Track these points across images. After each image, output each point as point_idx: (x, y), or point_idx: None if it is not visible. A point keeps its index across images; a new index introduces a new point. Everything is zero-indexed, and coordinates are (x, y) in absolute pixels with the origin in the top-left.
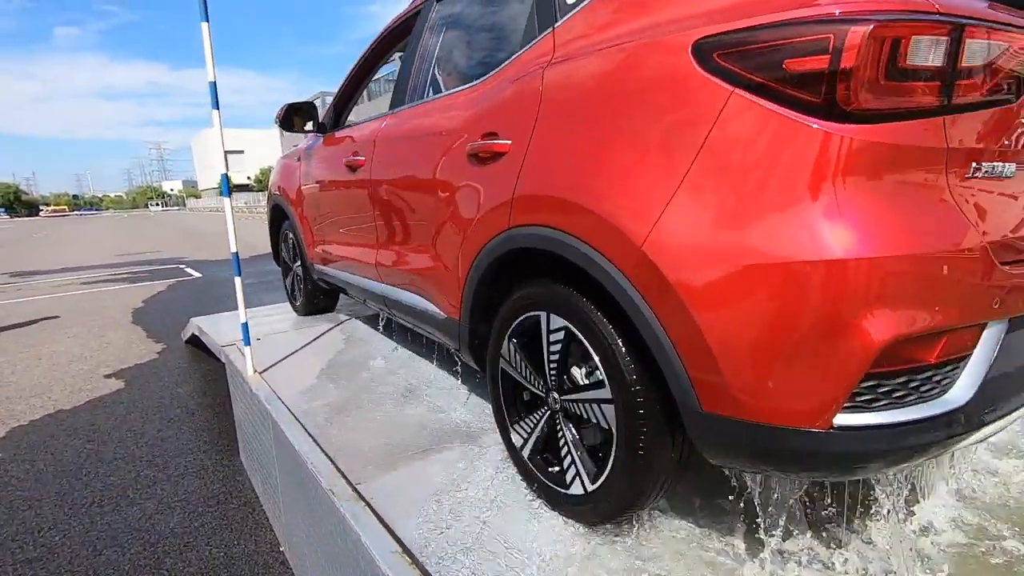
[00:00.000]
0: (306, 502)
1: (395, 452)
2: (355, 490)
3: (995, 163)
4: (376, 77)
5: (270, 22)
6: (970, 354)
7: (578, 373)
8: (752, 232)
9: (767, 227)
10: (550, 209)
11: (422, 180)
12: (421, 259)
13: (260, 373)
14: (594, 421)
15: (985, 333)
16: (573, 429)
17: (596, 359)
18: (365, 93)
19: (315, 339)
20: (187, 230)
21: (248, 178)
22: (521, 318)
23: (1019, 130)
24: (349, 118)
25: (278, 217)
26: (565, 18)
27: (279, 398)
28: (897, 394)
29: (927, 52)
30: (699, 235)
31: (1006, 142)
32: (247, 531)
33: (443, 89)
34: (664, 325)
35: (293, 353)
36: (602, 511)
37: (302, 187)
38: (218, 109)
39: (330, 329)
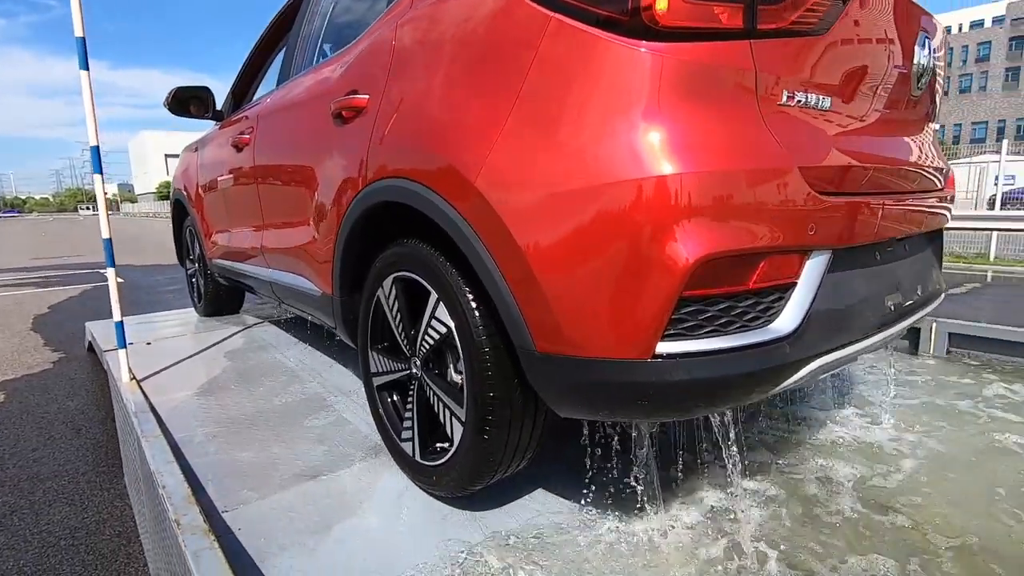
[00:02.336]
0: (161, 537)
1: (282, 472)
2: (207, 522)
3: (808, 93)
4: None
5: (233, 27)
6: (794, 283)
7: (433, 332)
8: (565, 157)
9: (578, 150)
10: (397, 158)
11: (294, 150)
12: (298, 235)
13: (139, 381)
14: (449, 381)
15: (808, 263)
16: (436, 392)
17: (447, 313)
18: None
19: (215, 344)
20: (117, 235)
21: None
22: (383, 281)
23: (834, 63)
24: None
25: (180, 214)
26: None
27: (152, 409)
28: (720, 321)
29: None
30: (523, 165)
31: (819, 74)
32: (115, 570)
33: (318, 62)
34: (498, 262)
35: (186, 359)
36: (457, 477)
37: (198, 177)
38: (100, 173)
39: (235, 333)
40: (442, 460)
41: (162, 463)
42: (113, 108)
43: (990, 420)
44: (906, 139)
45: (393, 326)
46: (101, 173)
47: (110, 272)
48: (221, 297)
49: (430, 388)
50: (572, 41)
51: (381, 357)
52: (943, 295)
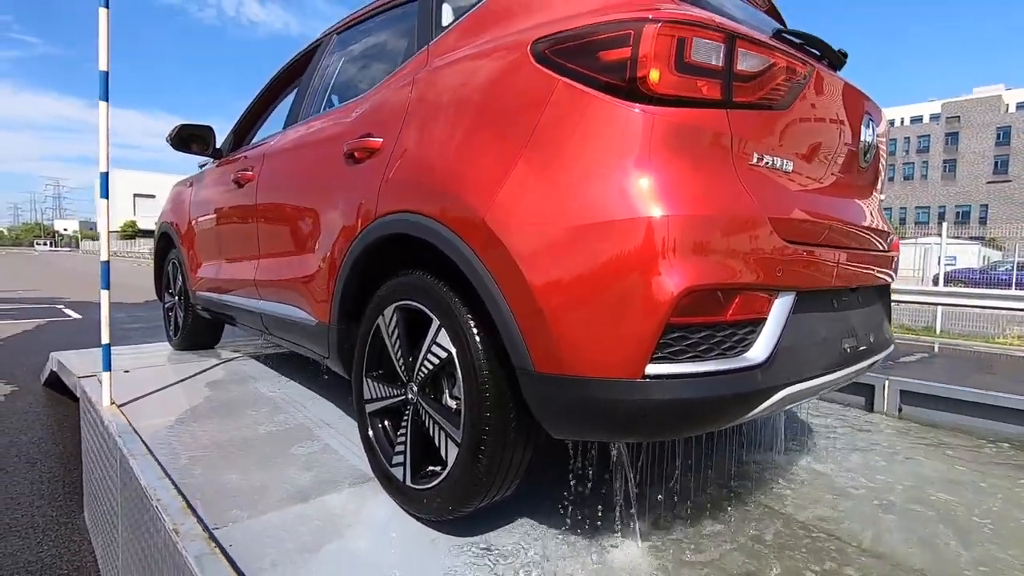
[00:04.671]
0: (147, 553)
1: (270, 494)
2: (208, 532)
3: (775, 156)
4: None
5: (206, 71)
6: (764, 319)
7: (433, 358)
8: (568, 199)
9: (581, 193)
10: (409, 195)
11: (301, 186)
12: (297, 266)
13: (119, 406)
14: (446, 404)
15: (776, 301)
16: (432, 416)
17: (448, 339)
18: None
19: (195, 375)
20: (75, 271)
21: (156, 224)
22: (384, 310)
23: (795, 134)
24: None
25: (165, 247)
26: (438, 36)
27: (135, 431)
28: (701, 347)
29: (708, 53)
30: (529, 204)
31: (783, 141)
32: None
33: (332, 106)
34: (502, 288)
35: (166, 388)
36: (448, 498)
37: (190, 211)
38: (107, 198)
39: (215, 366)
40: (433, 483)
41: (153, 479)
42: (83, 145)
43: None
44: (857, 202)
45: (392, 353)
46: (107, 198)
47: (104, 294)
48: (199, 331)
49: (426, 412)
50: (578, 101)
51: (376, 384)
52: (892, 346)
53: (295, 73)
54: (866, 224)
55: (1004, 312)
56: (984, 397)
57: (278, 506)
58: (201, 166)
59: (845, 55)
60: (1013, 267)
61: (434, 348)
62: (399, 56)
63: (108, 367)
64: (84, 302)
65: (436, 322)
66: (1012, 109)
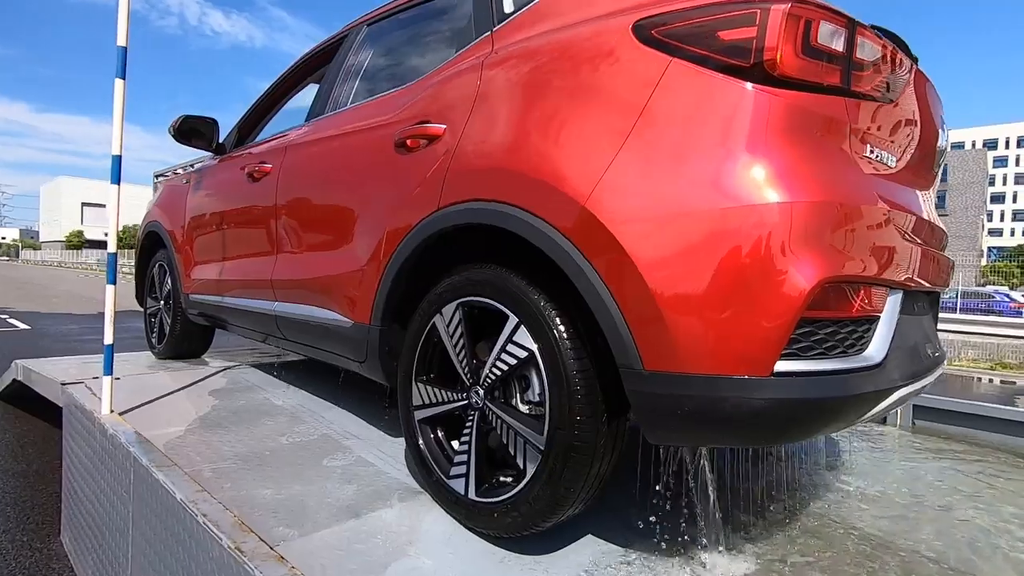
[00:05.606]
0: (189, 573)
1: (315, 510)
2: (273, 550)
3: (882, 151)
4: None
5: (168, 83)
6: (878, 316)
7: (508, 358)
8: (686, 182)
9: (700, 175)
10: (487, 183)
11: (337, 178)
12: (328, 263)
13: (120, 414)
14: (523, 409)
15: (889, 299)
16: (506, 421)
17: (529, 337)
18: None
19: (194, 383)
20: (18, 280)
21: (105, 234)
22: (443, 307)
23: (897, 128)
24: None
25: (150, 248)
26: (505, 22)
27: (148, 440)
28: (826, 344)
29: (831, 37)
30: (642, 189)
31: (888, 135)
32: None
33: (368, 97)
34: (606, 281)
35: (165, 396)
36: (527, 514)
37: (187, 208)
38: (118, 184)
39: (214, 373)
40: (506, 495)
41: (191, 492)
42: (28, 151)
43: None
44: (930, 206)
45: (452, 354)
46: (119, 184)
47: (110, 289)
48: (188, 338)
49: (497, 418)
50: (695, 83)
51: (428, 388)
52: (945, 359)
53: (310, 69)
54: (937, 225)
55: (955, 337)
56: (998, 411)
57: (328, 523)
58: (157, 175)
59: (916, 58)
60: (956, 295)
61: (510, 347)
62: (449, 43)
63: (109, 371)
64: (30, 312)
65: (513, 319)
66: (948, 148)
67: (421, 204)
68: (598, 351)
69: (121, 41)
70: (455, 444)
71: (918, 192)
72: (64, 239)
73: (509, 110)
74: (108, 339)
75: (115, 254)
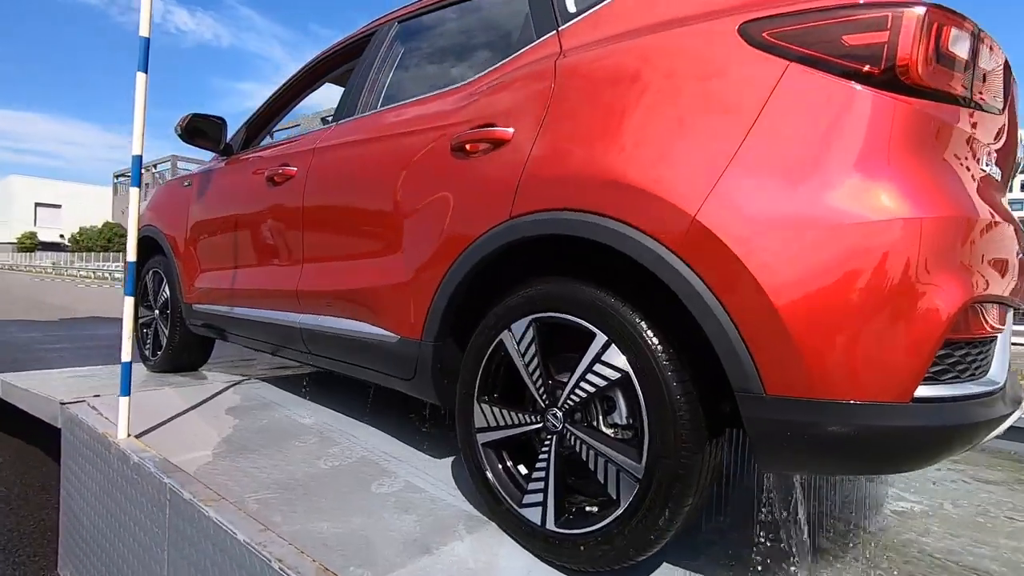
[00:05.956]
0: None
1: (384, 546)
2: None
3: (993, 164)
4: None
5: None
6: (995, 338)
7: (595, 379)
8: (823, 195)
9: (831, 187)
10: (575, 192)
11: (381, 184)
12: (369, 275)
13: (137, 437)
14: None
15: (1008, 315)
16: (595, 447)
17: (621, 357)
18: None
19: (206, 400)
20: None
21: (61, 236)
22: (513, 323)
23: (999, 138)
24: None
25: (143, 253)
26: (572, 21)
27: (179, 467)
28: (959, 367)
29: (960, 44)
30: (764, 201)
31: (997, 148)
32: None
33: (407, 98)
34: (724, 302)
35: (179, 416)
36: (621, 546)
37: (191, 212)
38: (139, 187)
39: (224, 389)
40: (596, 526)
41: (254, 531)
42: None
43: None
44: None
45: (524, 373)
46: (139, 187)
47: (128, 300)
48: (186, 350)
49: (583, 443)
50: (817, 88)
51: (494, 409)
52: None
53: (327, 69)
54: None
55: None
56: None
57: (402, 560)
58: (118, 175)
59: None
60: None
61: (598, 367)
62: (501, 43)
63: (127, 391)
64: None
65: (601, 337)
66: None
67: (488, 213)
68: (697, 373)
69: (144, 32)
70: (522, 469)
71: (1007, 205)
72: (16, 241)
73: (597, 115)
74: (126, 356)
75: (134, 263)
